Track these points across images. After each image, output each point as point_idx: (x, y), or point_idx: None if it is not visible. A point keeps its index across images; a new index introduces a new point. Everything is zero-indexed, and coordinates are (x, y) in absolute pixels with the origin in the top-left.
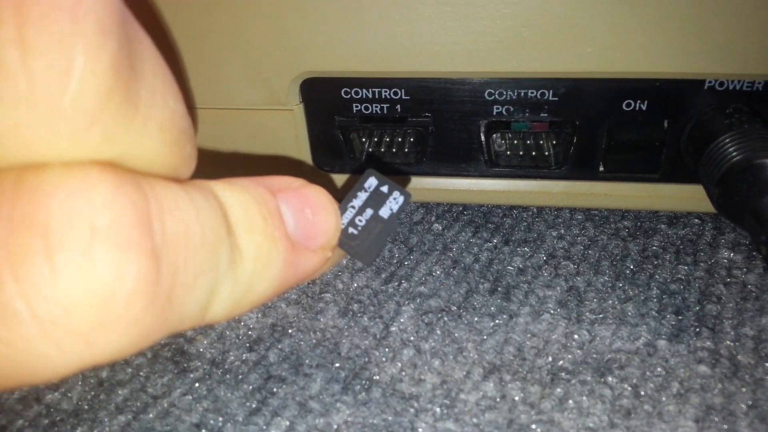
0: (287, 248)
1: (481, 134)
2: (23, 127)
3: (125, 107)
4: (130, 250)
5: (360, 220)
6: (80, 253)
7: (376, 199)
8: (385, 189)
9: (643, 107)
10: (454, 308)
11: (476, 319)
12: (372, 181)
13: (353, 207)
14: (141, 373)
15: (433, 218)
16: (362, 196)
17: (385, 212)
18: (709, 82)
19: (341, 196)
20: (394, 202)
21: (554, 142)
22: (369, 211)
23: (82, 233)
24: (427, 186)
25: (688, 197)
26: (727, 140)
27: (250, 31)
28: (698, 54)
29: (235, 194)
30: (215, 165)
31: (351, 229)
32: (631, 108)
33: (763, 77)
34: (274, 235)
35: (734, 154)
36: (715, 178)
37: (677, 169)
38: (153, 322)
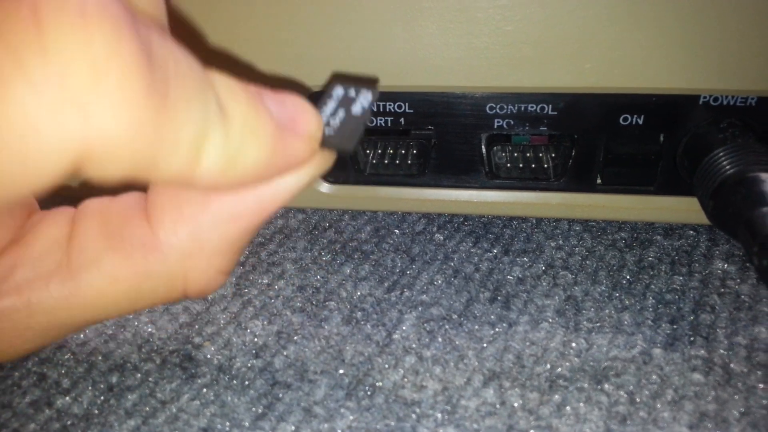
0: (272, 123)
1: (482, 147)
2: None
3: None
4: (123, 27)
5: (334, 120)
6: (70, 15)
7: (347, 103)
8: (352, 93)
9: (640, 121)
10: (455, 316)
11: (476, 327)
12: (338, 90)
13: (325, 113)
14: (150, 379)
15: (435, 229)
16: (332, 104)
17: (357, 110)
18: (704, 97)
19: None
20: (364, 100)
21: (553, 154)
22: (341, 111)
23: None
24: (429, 197)
25: (683, 209)
26: (721, 154)
27: (259, 47)
28: (693, 70)
29: (218, 74)
30: None
31: (327, 130)
32: (628, 122)
33: (755, 93)
34: (258, 107)
35: (728, 167)
36: (710, 191)
37: (673, 181)
38: (148, 115)
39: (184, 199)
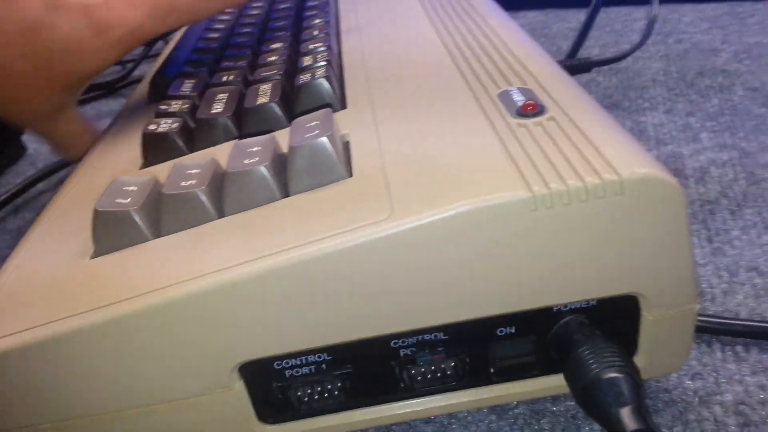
0: None
1: (396, 370)
2: None
3: None
4: None
5: None
6: None
7: None
8: None
9: (512, 330)
10: None
11: None
12: None
13: None
14: None
15: None
16: None
17: None
18: (556, 308)
19: None
20: None
21: (453, 364)
22: None
23: None
24: (359, 417)
25: (564, 383)
26: (579, 355)
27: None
28: (544, 290)
29: None
30: None
31: None
32: (503, 333)
33: (592, 298)
34: None
35: (584, 372)
36: (576, 389)
37: (551, 365)
38: None
39: None
